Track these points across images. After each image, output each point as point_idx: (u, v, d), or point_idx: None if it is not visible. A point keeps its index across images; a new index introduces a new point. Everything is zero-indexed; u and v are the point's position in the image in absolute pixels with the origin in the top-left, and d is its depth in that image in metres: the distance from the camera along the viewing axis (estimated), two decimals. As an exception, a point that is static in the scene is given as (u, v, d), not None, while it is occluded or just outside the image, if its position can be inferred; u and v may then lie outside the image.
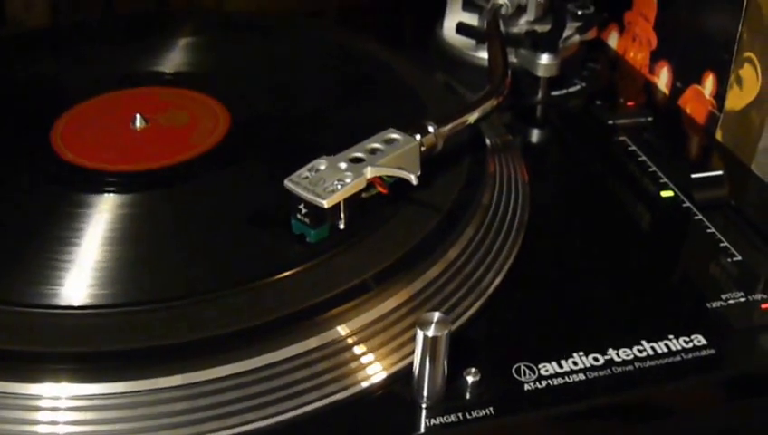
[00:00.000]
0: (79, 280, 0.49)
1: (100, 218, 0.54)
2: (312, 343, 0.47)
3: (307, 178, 0.51)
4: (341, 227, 0.52)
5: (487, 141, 0.63)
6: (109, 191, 0.56)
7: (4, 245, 0.52)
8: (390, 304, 0.49)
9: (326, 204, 0.49)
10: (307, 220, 0.50)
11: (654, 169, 0.65)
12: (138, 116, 0.61)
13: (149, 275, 0.50)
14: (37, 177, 0.58)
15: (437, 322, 0.44)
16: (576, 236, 0.59)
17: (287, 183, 0.51)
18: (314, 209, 0.50)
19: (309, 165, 0.52)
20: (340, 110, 0.66)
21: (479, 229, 0.55)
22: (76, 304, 0.48)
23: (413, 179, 0.50)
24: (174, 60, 0.71)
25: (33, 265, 0.50)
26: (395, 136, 0.54)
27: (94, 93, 0.66)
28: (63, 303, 0.48)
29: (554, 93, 0.73)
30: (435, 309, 0.49)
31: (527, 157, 0.66)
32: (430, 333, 0.44)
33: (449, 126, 0.56)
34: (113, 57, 0.72)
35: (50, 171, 0.58)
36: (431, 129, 0.55)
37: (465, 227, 0.55)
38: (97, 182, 0.57)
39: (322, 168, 0.52)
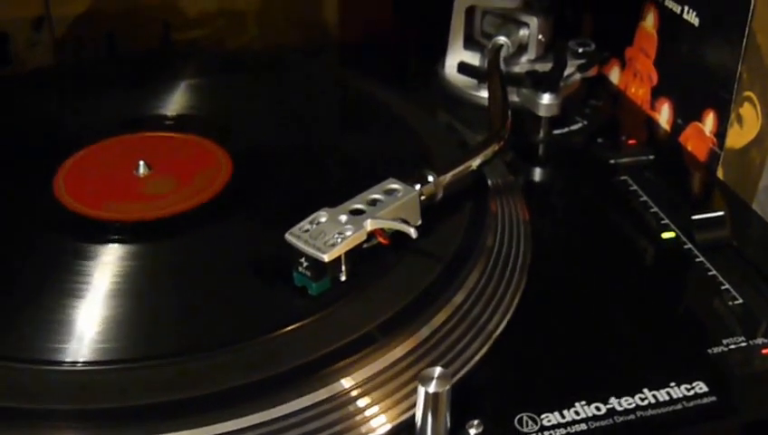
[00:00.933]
0: (84, 335, 0.49)
1: (105, 270, 0.54)
2: (316, 396, 0.47)
3: (308, 231, 0.51)
4: (343, 279, 0.52)
5: (489, 181, 0.63)
6: (113, 241, 0.56)
7: (7, 298, 0.52)
8: (396, 353, 0.50)
9: (327, 258, 0.50)
10: (308, 273, 0.51)
11: (655, 209, 0.65)
12: (141, 163, 0.62)
13: (154, 330, 0.50)
14: (41, 226, 0.58)
15: (439, 377, 0.44)
16: (577, 278, 0.59)
17: (288, 236, 0.51)
18: (315, 263, 0.50)
19: (310, 217, 0.52)
20: (343, 152, 0.66)
21: (483, 273, 0.56)
22: (81, 359, 0.48)
23: (413, 233, 0.51)
24: (177, 102, 0.71)
25: (36, 320, 0.50)
26: (395, 186, 0.54)
27: (98, 137, 0.66)
28: (69, 359, 0.48)
29: (556, 132, 0.73)
30: (441, 357, 0.50)
31: (528, 196, 0.66)
32: (431, 389, 0.44)
33: (449, 175, 0.57)
34: (116, 99, 0.72)
35: (54, 221, 0.58)
36: (431, 178, 0.56)
37: (469, 272, 0.55)
38: (101, 232, 0.57)
39: (323, 220, 0.52)
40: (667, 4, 0.75)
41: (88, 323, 0.50)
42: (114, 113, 0.70)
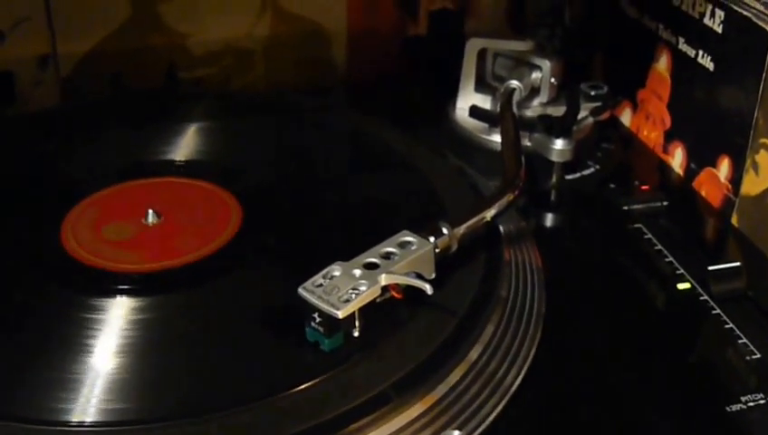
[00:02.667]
0: (91, 394, 0.48)
1: (113, 324, 0.53)
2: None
3: (321, 285, 0.50)
4: (356, 334, 0.51)
5: (501, 228, 0.62)
6: (121, 293, 0.55)
7: (11, 354, 0.51)
8: (411, 413, 0.48)
9: (340, 315, 0.49)
10: (321, 329, 0.50)
11: (670, 259, 0.64)
12: (150, 211, 0.61)
13: (161, 390, 0.49)
14: (47, 277, 0.57)
15: (456, 441, 0.43)
16: (591, 328, 0.59)
17: (301, 291, 0.50)
18: (329, 319, 0.49)
19: (323, 271, 0.51)
20: (354, 198, 0.66)
21: (498, 325, 0.55)
22: (88, 420, 0.47)
23: (428, 290, 0.50)
24: (185, 146, 0.70)
25: (41, 378, 0.49)
26: (409, 239, 0.54)
27: (106, 182, 0.65)
28: (75, 419, 0.47)
29: (568, 177, 0.72)
30: (457, 415, 0.49)
31: (540, 242, 0.65)
32: (447, 454, 0.43)
33: (464, 226, 0.56)
34: (124, 142, 0.72)
35: (61, 271, 0.57)
36: (445, 230, 0.55)
37: (485, 326, 0.54)
38: (110, 284, 0.56)
39: (337, 274, 0.51)
40: (681, 47, 0.74)
41: (95, 382, 0.49)
42: (122, 157, 0.69)
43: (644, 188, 0.72)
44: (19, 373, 0.50)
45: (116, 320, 0.53)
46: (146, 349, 0.51)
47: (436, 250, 0.54)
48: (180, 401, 0.48)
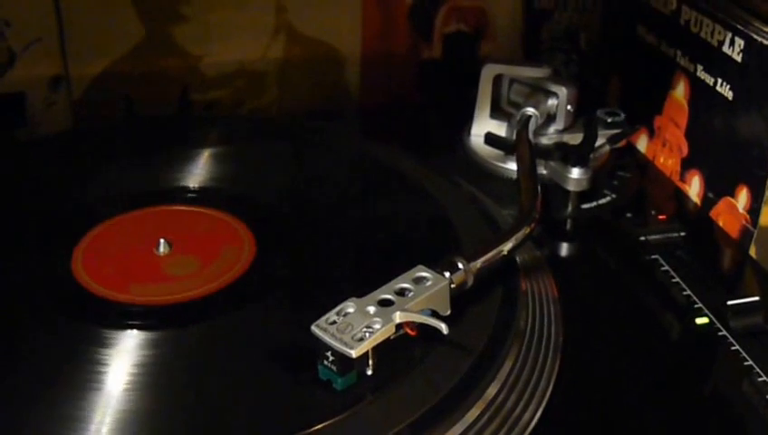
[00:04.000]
0: (99, 432, 0.47)
1: (123, 359, 0.52)
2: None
3: (334, 323, 0.49)
4: (369, 373, 0.50)
5: (516, 258, 0.62)
6: (132, 327, 0.54)
7: (19, 388, 0.50)
8: (429, 454, 0.47)
9: (354, 354, 0.48)
10: (334, 368, 0.49)
11: (688, 292, 0.63)
12: (162, 241, 0.60)
13: (172, 427, 0.48)
14: (57, 309, 0.56)
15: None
16: (608, 362, 0.58)
17: (314, 329, 0.49)
18: (342, 357, 0.48)
19: (337, 308, 0.50)
20: (369, 228, 0.65)
21: (516, 360, 0.54)
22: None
23: (444, 329, 0.49)
24: (198, 172, 0.70)
25: (48, 414, 0.48)
26: (424, 274, 0.53)
27: (117, 210, 0.65)
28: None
29: (584, 206, 0.72)
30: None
31: (555, 272, 0.64)
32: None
33: (480, 261, 0.55)
34: (136, 168, 0.71)
35: (71, 303, 0.57)
36: (461, 265, 0.54)
37: (503, 361, 0.53)
38: (121, 317, 0.55)
39: (350, 311, 0.50)
40: (699, 74, 0.73)
41: (103, 419, 0.48)
42: (134, 183, 0.69)
43: (661, 217, 0.71)
44: (27, 409, 0.49)
45: (125, 354, 0.53)
46: (155, 385, 0.51)
47: (452, 286, 0.53)
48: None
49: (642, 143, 0.82)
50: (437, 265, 0.54)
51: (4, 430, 0.48)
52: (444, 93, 0.92)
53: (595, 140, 0.71)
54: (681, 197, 0.76)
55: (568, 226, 0.71)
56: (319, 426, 0.47)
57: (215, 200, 0.66)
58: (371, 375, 0.50)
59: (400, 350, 0.51)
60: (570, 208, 0.71)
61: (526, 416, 0.52)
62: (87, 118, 0.86)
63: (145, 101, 0.88)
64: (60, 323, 0.56)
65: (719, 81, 0.71)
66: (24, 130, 0.85)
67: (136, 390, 0.50)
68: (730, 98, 0.70)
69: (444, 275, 0.53)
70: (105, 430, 0.47)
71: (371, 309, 0.50)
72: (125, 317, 0.55)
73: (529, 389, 0.53)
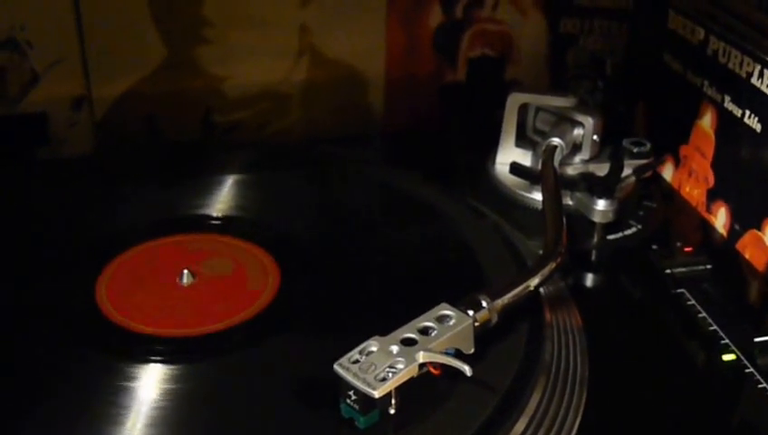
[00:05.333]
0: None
1: (145, 393, 0.52)
2: None
3: (357, 361, 0.49)
4: (392, 412, 0.49)
5: (541, 290, 0.61)
6: (155, 361, 0.54)
7: (40, 423, 0.50)
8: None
9: (377, 394, 0.48)
10: (357, 406, 0.49)
11: (715, 327, 0.62)
12: (185, 272, 0.60)
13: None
14: (81, 340, 0.56)
15: None
16: (633, 399, 0.57)
17: (337, 368, 0.49)
18: (364, 397, 0.48)
19: (359, 347, 0.50)
20: (392, 259, 0.65)
21: (543, 395, 0.53)
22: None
23: (467, 372, 0.48)
24: (221, 201, 0.69)
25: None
26: (448, 313, 0.52)
27: (140, 238, 0.65)
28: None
29: (610, 237, 0.71)
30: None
31: (580, 305, 0.64)
32: None
33: (504, 298, 0.54)
34: (160, 194, 0.71)
35: (95, 334, 0.56)
36: (485, 304, 0.53)
37: (529, 397, 0.52)
38: (144, 350, 0.55)
39: (373, 350, 0.50)
40: (727, 105, 0.72)
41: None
42: (158, 210, 0.68)
43: (687, 249, 0.70)
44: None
45: (148, 388, 0.52)
46: (177, 420, 0.50)
47: (476, 324, 0.52)
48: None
49: (668, 172, 0.81)
50: (461, 302, 0.53)
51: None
52: (467, 118, 0.92)
53: (621, 171, 0.71)
54: (707, 228, 0.75)
55: (593, 257, 0.70)
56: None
57: (238, 229, 0.66)
58: (394, 414, 0.49)
59: (424, 387, 0.51)
60: (595, 239, 0.70)
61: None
62: (109, 138, 0.86)
63: (167, 122, 0.87)
64: (82, 354, 0.55)
65: (747, 112, 0.70)
66: (45, 149, 0.85)
67: (157, 425, 0.50)
68: (758, 130, 0.69)
69: (468, 314, 0.52)
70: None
71: (394, 348, 0.50)
72: (148, 350, 0.55)
73: (556, 425, 0.52)
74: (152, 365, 0.54)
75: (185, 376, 0.53)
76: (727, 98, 0.72)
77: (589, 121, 0.73)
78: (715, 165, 0.75)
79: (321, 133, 0.90)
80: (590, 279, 0.69)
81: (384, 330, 0.51)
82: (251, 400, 0.52)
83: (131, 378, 0.53)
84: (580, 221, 0.71)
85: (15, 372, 0.54)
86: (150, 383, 0.52)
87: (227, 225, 0.67)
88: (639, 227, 0.73)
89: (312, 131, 0.90)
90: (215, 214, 0.68)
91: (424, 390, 0.51)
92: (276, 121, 0.90)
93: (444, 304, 0.53)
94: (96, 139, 0.86)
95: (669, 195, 0.80)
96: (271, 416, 0.51)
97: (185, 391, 0.52)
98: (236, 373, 0.54)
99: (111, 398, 0.51)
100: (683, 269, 0.68)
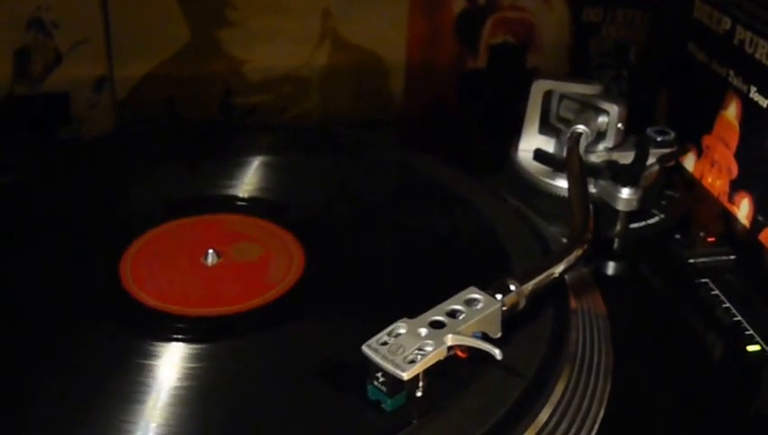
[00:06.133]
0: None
1: (168, 372, 0.52)
2: None
3: (386, 343, 0.49)
4: (419, 395, 0.49)
5: (565, 277, 0.61)
6: (178, 340, 0.54)
7: (63, 397, 0.50)
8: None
9: (406, 376, 0.47)
10: (384, 389, 0.48)
11: (739, 318, 0.62)
12: (210, 251, 0.60)
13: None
14: (104, 317, 0.56)
15: None
16: (657, 389, 0.57)
17: (365, 349, 0.49)
18: (392, 379, 0.48)
19: (388, 329, 0.50)
20: (416, 243, 0.64)
21: (568, 383, 0.53)
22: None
23: (497, 355, 0.48)
24: (247, 182, 0.69)
25: (92, 425, 0.48)
26: (476, 296, 0.52)
27: (165, 217, 0.65)
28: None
29: (633, 226, 0.71)
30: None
31: (603, 293, 0.64)
32: None
33: (532, 283, 0.54)
34: (185, 174, 0.71)
35: (119, 312, 0.56)
36: (513, 287, 0.53)
37: (554, 385, 0.52)
38: (167, 328, 0.55)
39: (402, 332, 0.50)
40: (752, 95, 0.72)
41: (146, 433, 0.48)
42: (183, 190, 0.68)
43: (710, 239, 0.70)
44: (70, 417, 0.49)
45: (171, 366, 0.52)
46: (199, 399, 0.50)
47: (503, 308, 0.52)
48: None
49: (689, 162, 0.81)
50: (489, 286, 0.53)
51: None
52: (487, 105, 0.91)
53: (646, 160, 0.70)
54: (729, 218, 0.75)
55: (615, 245, 0.70)
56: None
57: (263, 210, 0.66)
58: (420, 397, 0.49)
59: (449, 371, 0.51)
60: (618, 228, 0.70)
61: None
62: (129, 119, 0.86)
63: (187, 105, 0.87)
64: (106, 331, 0.55)
65: (773, 102, 0.70)
66: (66, 129, 0.85)
67: (180, 404, 0.50)
68: (784, 121, 0.69)
69: (495, 298, 0.52)
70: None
71: (423, 331, 0.49)
72: (172, 328, 0.55)
73: (581, 413, 0.52)
74: (174, 344, 0.54)
75: (208, 355, 0.53)
76: (753, 88, 0.72)
77: (614, 109, 0.73)
78: (739, 155, 0.74)
79: (340, 118, 0.90)
80: (612, 267, 0.69)
81: (408, 314, 0.51)
82: (274, 381, 0.52)
83: (153, 356, 0.52)
84: (603, 209, 0.70)
85: (39, 348, 0.54)
86: (172, 362, 0.52)
87: (252, 206, 0.67)
88: (662, 216, 0.73)
89: (331, 116, 0.90)
90: (241, 195, 0.68)
91: (449, 373, 0.50)
92: (295, 106, 0.90)
93: (472, 288, 0.52)
94: (116, 120, 0.86)
95: (691, 185, 0.79)
96: (295, 398, 0.51)
97: (208, 371, 0.52)
98: (260, 354, 0.54)
99: (133, 375, 0.51)
100: (706, 259, 0.68)
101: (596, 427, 0.52)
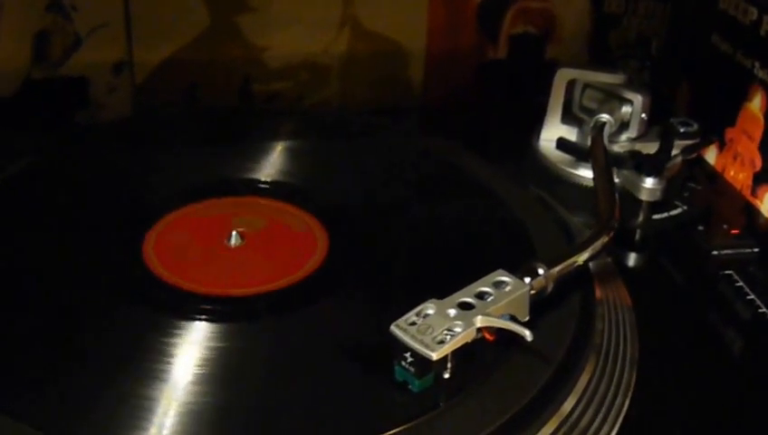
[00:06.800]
0: (163, 425, 0.46)
1: (190, 350, 0.51)
2: None
3: (414, 323, 0.48)
4: (446, 376, 0.49)
5: (590, 265, 0.60)
6: (201, 319, 0.53)
7: (86, 374, 0.50)
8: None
9: (435, 356, 0.47)
10: (412, 369, 0.48)
11: (763, 309, 0.62)
12: (234, 233, 0.59)
13: (237, 424, 0.47)
14: (127, 296, 0.56)
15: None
16: (683, 380, 0.56)
17: (393, 329, 0.48)
18: (421, 359, 0.47)
19: (417, 309, 0.49)
20: (440, 229, 0.64)
21: (593, 373, 0.52)
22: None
23: (527, 336, 0.48)
24: (270, 166, 0.69)
25: (114, 402, 0.47)
26: (504, 279, 0.52)
27: (188, 199, 0.64)
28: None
29: (655, 217, 0.70)
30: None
31: (626, 283, 0.63)
32: None
33: (559, 267, 0.54)
34: (207, 157, 0.70)
35: (142, 290, 0.56)
36: (541, 271, 0.53)
37: (580, 373, 0.52)
38: (190, 307, 0.54)
39: (430, 312, 0.49)
40: (777, 88, 0.72)
41: (167, 411, 0.47)
42: (206, 172, 0.68)
43: (734, 231, 0.70)
44: (92, 393, 0.48)
45: (194, 345, 0.52)
46: (222, 379, 0.49)
47: (532, 292, 0.52)
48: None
49: (711, 155, 0.80)
50: (517, 270, 0.52)
51: (69, 414, 0.47)
52: (506, 95, 0.91)
53: (671, 150, 0.70)
54: (753, 212, 0.74)
55: (637, 236, 0.69)
56: (394, 431, 0.46)
57: (287, 194, 0.65)
58: (447, 379, 0.49)
59: (476, 355, 0.50)
60: (641, 218, 0.69)
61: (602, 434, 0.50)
62: (148, 104, 0.86)
63: (205, 90, 0.87)
64: (129, 310, 0.55)
65: (799, 95, 0.69)
66: (84, 114, 0.84)
67: (202, 383, 0.49)
68: (811, 114, 0.68)
69: (524, 281, 0.52)
70: (169, 422, 0.47)
71: (452, 312, 0.49)
72: (195, 307, 0.54)
73: (605, 404, 0.51)
74: (198, 323, 0.53)
75: (231, 334, 0.53)
76: (779, 80, 0.72)
77: (638, 99, 0.72)
78: (763, 148, 0.74)
79: (359, 106, 0.90)
80: (635, 258, 0.68)
81: (436, 296, 0.50)
82: (298, 363, 0.52)
83: (177, 334, 0.52)
84: (626, 199, 0.70)
85: (64, 327, 0.53)
86: (196, 340, 0.52)
87: (275, 189, 0.66)
88: (685, 208, 0.72)
89: (350, 104, 0.90)
90: (263, 178, 0.67)
91: (475, 357, 0.50)
92: (314, 93, 0.89)
93: (500, 271, 0.52)
94: (134, 105, 0.86)
95: (713, 178, 0.79)
96: (320, 379, 0.50)
97: (231, 350, 0.52)
98: (284, 335, 0.54)
99: (156, 354, 0.51)
100: (729, 251, 0.68)
101: (620, 418, 0.52)
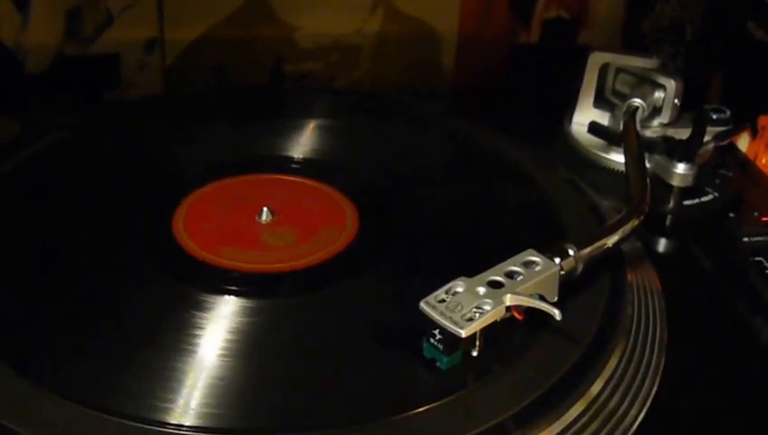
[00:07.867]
0: (191, 397, 0.47)
1: (219, 324, 0.51)
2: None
3: (444, 301, 0.48)
4: (475, 354, 0.49)
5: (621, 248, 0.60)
6: (231, 293, 0.53)
7: (114, 347, 0.50)
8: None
9: (464, 333, 0.47)
10: (441, 346, 0.48)
11: (795, 297, 0.61)
12: (265, 209, 0.59)
13: (264, 399, 0.47)
14: (157, 269, 0.56)
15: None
16: (712, 366, 0.56)
17: (423, 306, 0.48)
18: (449, 336, 0.47)
19: (446, 286, 0.49)
20: (473, 210, 0.64)
21: (622, 356, 0.52)
22: (186, 423, 0.45)
23: (557, 315, 0.48)
24: (301, 143, 0.69)
25: (143, 375, 0.48)
26: (534, 259, 0.51)
27: (219, 175, 0.64)
28: (173, 421, 0.45)
29: (686, 203, 0.70)
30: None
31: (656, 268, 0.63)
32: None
33: (589, 248, 0.53)
34: (239, 134, 0.70)
35: (172, 264, 0.56)
36: (571, 252, 0.52)
37: (609, 356, 0.51)
38: (220, 282, 0.54)
39: (460, 290, 0.49)
40: (811, 76, 0.71)
41: (195, 383, 0.47)
42: (237, 149, 0.68)
43: (765, 219, 0.69)
44: (120, 365, 0.49)
45: (222, 319, 0.52)
46: (251, 354, 0.50)
47: (561, 272, 0.52)
48: (280, 413, 0.46)
49: (743, 142, 0.79)
50: (547, 249, 0.52)
51: (97, 386, 0.47)
52: (538, 80, 0.91)
53: (704, 136, 0.70)
54: (784, 200, 0.74)
55: (668, 221, 0.69)
56: (417, 410, 0.46)
57: (318, 172, 0.65)
58: (475, 357, 0.49)
59: (505, 334, 0.50)
60: (672, 204, 0.69)
61: (628, 419, 0.50)
62: (178, 83, 0.86)
63: (236, 70, 0.87)
64: (159, 284, 0.55)
65: (834, 82, 0.69)
66: (115, 91, 0.85)
67: (230, 357, 0.49)
68: None
69: (554, 261, 0.52)
70: (197, 394, 0.47)
71: (481, 290, 0.49)
72: (224, 282, 0.54)
73: (633, 388, 0.51)
74: (227, 298, 0.53)
75: (260, 310, 0.53)
76: (814, 67, 0.71)
77: (671, 84, 0.72)
78: (796, 136, 0.73)
79: (389, 88, 0.90)
80: (665, 244, 0.68)
81: (467, 275, 0.50)
82: (327, 339, 0.52)
83: (205, 308, 0.52)
84: (656, 185, 0.69)
85: (95, 299, 0.54)
86: (224, 315, 0.52)
87: (307, 167, 0.66)
88: (716, 194, 0.72)
89: (380, 86, 0.90)
90: (295, 156, 0.67)
91: (502, 337, 0.50)
92: (345, 74, 0.90)
93: (530, 250, 0.52)
94: (165, 83, 0.86)
95: (745, 165, 0.78)
96: (348, 355, 0.50)
97: (259, 326, 0.52)
98: (313, 312, 0.54)
99: (184, 327, 0.51)
100: (760, 238, 0.67)
101: (648, 402, 0.51)
